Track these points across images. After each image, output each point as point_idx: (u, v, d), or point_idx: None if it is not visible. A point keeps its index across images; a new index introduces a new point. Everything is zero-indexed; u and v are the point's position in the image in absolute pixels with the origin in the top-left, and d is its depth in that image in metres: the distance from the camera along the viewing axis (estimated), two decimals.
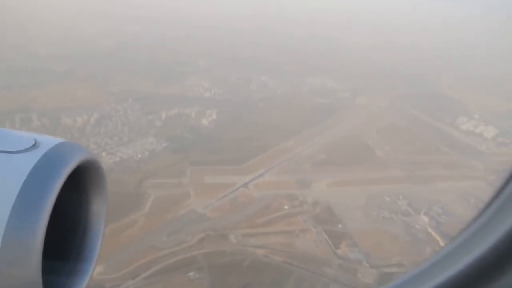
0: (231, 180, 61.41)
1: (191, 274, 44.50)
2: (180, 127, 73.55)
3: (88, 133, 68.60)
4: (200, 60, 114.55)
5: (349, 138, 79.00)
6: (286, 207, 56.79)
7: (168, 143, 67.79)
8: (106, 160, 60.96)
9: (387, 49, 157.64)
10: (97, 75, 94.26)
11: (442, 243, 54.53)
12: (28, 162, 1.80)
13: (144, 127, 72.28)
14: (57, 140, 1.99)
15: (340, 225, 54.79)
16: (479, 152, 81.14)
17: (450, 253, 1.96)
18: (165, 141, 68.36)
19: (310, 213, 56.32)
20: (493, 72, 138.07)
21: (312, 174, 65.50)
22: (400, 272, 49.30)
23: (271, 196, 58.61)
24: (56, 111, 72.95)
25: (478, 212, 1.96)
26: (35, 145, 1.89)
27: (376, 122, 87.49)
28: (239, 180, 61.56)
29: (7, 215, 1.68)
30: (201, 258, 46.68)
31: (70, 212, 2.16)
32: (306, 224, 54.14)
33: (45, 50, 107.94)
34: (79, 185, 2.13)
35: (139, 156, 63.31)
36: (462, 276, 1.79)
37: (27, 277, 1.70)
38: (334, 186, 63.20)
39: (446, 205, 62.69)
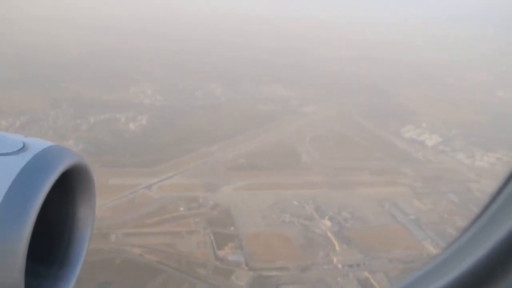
0: (137, 182, 61.14)
1: None
2: (105, 131, 74.02)
3: None
4: (157, 69, 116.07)
5: (279, 144, 78.25)
6: (182, 208, 56.11)
7: (85, 146, 68.10)
8: None
9: (361, 63, 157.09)
10: (46, 82, 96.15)
11: (337, 248, 53.08)
12: (15, 165, 1.76)
13: (69, 130, 72.95)
14: (47, 143, 1.96)
15: (232, 228, 53.76)
16: (414, 159, 79.46)
17: (452, 255, 1.95)
18: (84, 144, 68.73)
19: (205, 215, 55.48)
20: (464, 85, 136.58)
21: (224, 178, 64.81)
22: (281, 275, 47.89)
23: (171, 198, 58.08)
24: None
25: (479, 212, 1.94)
26: (23, 148, 1.85)
27: (314, 129, 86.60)
28: (144, 182, 61.29)
29: None
30: None
31: (57, 216, 2.14)
32: (196, 225, 53.30)
33: (4, 56, 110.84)
34: (67, 190, 2.11)
35: None
36: (465, 277, 1.76)
37: (9, 282, 1.64)
38: (242, 190, 62.32)
39: (358, 210, 61.17)
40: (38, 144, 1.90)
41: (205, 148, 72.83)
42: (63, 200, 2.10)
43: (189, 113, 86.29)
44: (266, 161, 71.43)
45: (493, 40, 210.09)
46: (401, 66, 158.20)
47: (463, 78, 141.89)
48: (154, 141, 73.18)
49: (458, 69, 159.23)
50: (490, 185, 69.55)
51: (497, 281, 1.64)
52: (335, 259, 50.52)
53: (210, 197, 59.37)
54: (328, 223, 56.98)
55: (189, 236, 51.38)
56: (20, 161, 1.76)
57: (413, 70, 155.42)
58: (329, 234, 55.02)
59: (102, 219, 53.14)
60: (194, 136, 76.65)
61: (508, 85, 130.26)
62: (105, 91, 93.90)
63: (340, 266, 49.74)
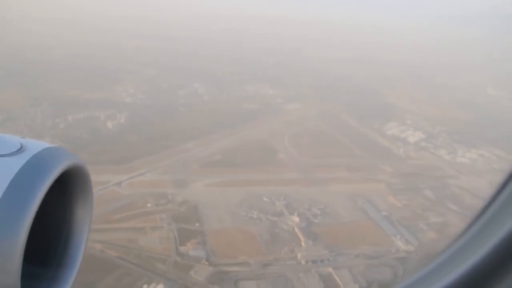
0: (108, 178, 61.06)
1: None
2: (82, 129, 74.30)
3: None
4: (143, 68, 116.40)
5: (257, 141, 77.89)
6: (149, 205, 56.00)
7: (61, 144, 68.32)
8: None
9: (353, 64, 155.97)
10: (29, 81, 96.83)
11: (303, 243, 52.57)
12: (13, 166, 1.78)
13: (46, 129, 73.35)
14: (44, 144, 2.03)
15: (197, 224, 53.51)
16: (394, 156, 78.65)
17: (452, 255, 1.98)
18: (60, 142, 68.98)
19: (172, 211, 55.31)
20: (454, 85, 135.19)
21: (197, 174, 64.65)
22: (242, 271, 47.50)
23: (140, 195, 58.00)
24: None
25: (479, 212, 1.98)
26: (20, 149, 1.89)
27: (295, 127, 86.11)
28: (116, 179, 61.32)
29: None
30: None
31: (55, 217, 2.17)
32: (162, 221, 53.11)
33: None
34: (65, 191, 2.14)
35: None
36: (465, 277, 1.79)
37: (5, 283, 1.65)
38: (213, 187, 62.07)
39: (329, 206, 60.60)
40: (35, 145, 1.91)
41: (181, 146, 72.76)
42: (60, 201, 2.08)
43: (170, 112, 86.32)
44: (242, 158, 71.17)
45: (490, 41, 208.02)
46: (394, 67, 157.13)
47: (454, 78, 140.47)
48: (131, 138, 73.29)
49: (450, 69, 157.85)
50: (469, 181, 68.72)
51: (497, 281, 1.62)
52: (299, 255, 50.00)
53: (179, 193, 59.22)
54: (297, 219, 56.51)
55: (153, 231, 51.20)
56: (17, 162, 1.75)
57: (406, 70, 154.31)
58: (296, 230, 54.53)
59: None
60: (172, 133, 76.63)
61: (499, 84, 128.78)
62: (88, 90, 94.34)
63: (303, 261, 49.22)
